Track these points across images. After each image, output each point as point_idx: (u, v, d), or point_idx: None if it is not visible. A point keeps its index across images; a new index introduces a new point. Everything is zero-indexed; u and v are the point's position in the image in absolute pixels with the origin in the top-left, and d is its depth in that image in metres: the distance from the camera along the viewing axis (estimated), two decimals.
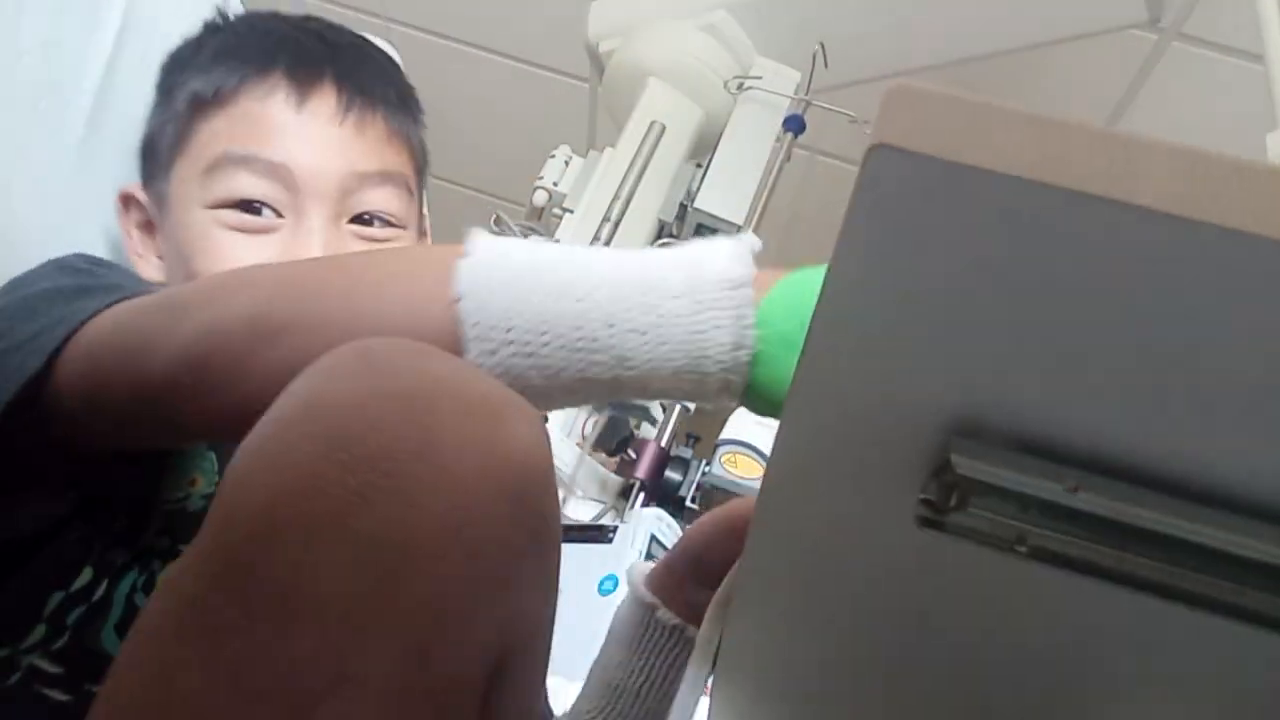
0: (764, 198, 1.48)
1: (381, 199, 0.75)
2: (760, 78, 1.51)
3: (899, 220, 0.27)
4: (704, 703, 1.12)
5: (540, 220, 1.55)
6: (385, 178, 0.75)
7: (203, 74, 0.77)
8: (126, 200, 0.83)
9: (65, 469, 0.58)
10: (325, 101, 0.74)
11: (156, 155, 0.79)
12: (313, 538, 0.37)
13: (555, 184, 1.54)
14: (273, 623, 0.37)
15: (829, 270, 0.31)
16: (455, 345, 0.48)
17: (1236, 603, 0.35)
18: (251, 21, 0.84)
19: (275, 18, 0.84)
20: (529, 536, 0.41)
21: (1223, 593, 0.35)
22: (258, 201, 0.72)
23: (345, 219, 0.74)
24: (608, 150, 1.51)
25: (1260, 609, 0.35)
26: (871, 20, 1.48)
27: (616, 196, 1.42)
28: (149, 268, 0.80)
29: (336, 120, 0.74)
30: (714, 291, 0.46)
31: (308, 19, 0.84)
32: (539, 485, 0.42)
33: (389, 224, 0.75)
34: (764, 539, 0.45)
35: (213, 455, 0.66)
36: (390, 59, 0.87)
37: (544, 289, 0.47)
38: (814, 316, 0.32)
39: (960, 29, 1.45)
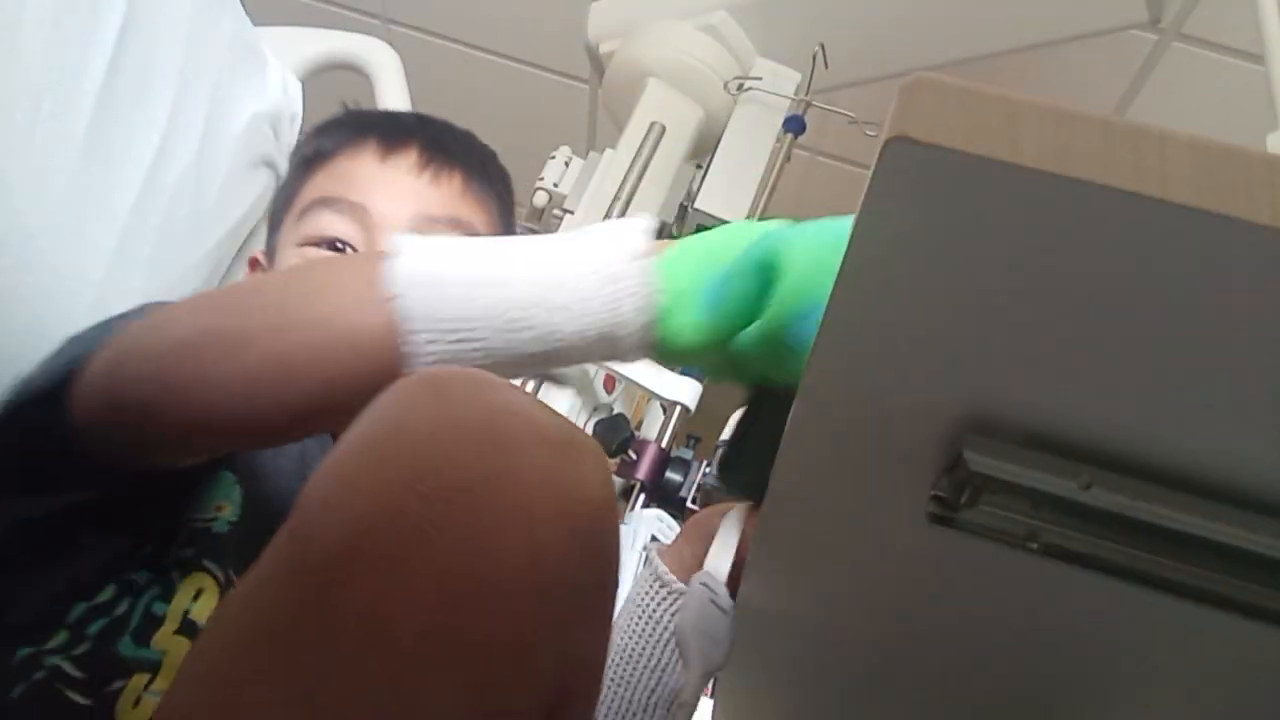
0: (764, 199, 1.47)
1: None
2: (760, 79, 1.51)
3: (915, 213, 0.27)
4: (706, 703, 1.12)
5: (540, 221, 1.55)
6: (455, 224, 0.81)
7: (311, 143, 0.86)
8: (253, 264, 0.90)
9: (88, 481, 0.61)
10: (407, 157, 0.81)
11: (273, 217, 0.88)
12: (394, 567, 0.38)
13: (555, 185, 1.54)
14: (351, 648, 0.37)
15: (842, 265, 0.31)
16: (394, 339, 0.52)
17: (1248, 600, 0.35)
18: (362, 108, 0.95)
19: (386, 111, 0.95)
20: (595, 576, 0.43)
21: (1234, 589, 0.35)
22: (339, 240, 0.78)
23: None
24: (608, 151, 1.51)
25: (1273, 606, 0.35)
26: (871, 21, 1.47)
27: (617, 197, 1.41)
28: None
29: (415, 172, 0.81)
30: (622, 264, 0.53)
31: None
32: (606, 525, 0.43)
33: None
34: (773, 534, 0.45)
35: (239, 488, 0.69)
36: (487, 147, 0.94)
37: (471, 279, 0.53)
38: (827, 309, 0.32)
39: (960, 29, 1.45)
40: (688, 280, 0.54)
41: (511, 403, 0.43)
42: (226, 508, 0.68)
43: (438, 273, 0.53)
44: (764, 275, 0.50)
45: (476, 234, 0.81)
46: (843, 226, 0.48)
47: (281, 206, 0.86)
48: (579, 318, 0.53)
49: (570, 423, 0.44)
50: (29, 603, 0.62)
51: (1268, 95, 1.09)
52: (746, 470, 0.56)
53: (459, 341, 0.52)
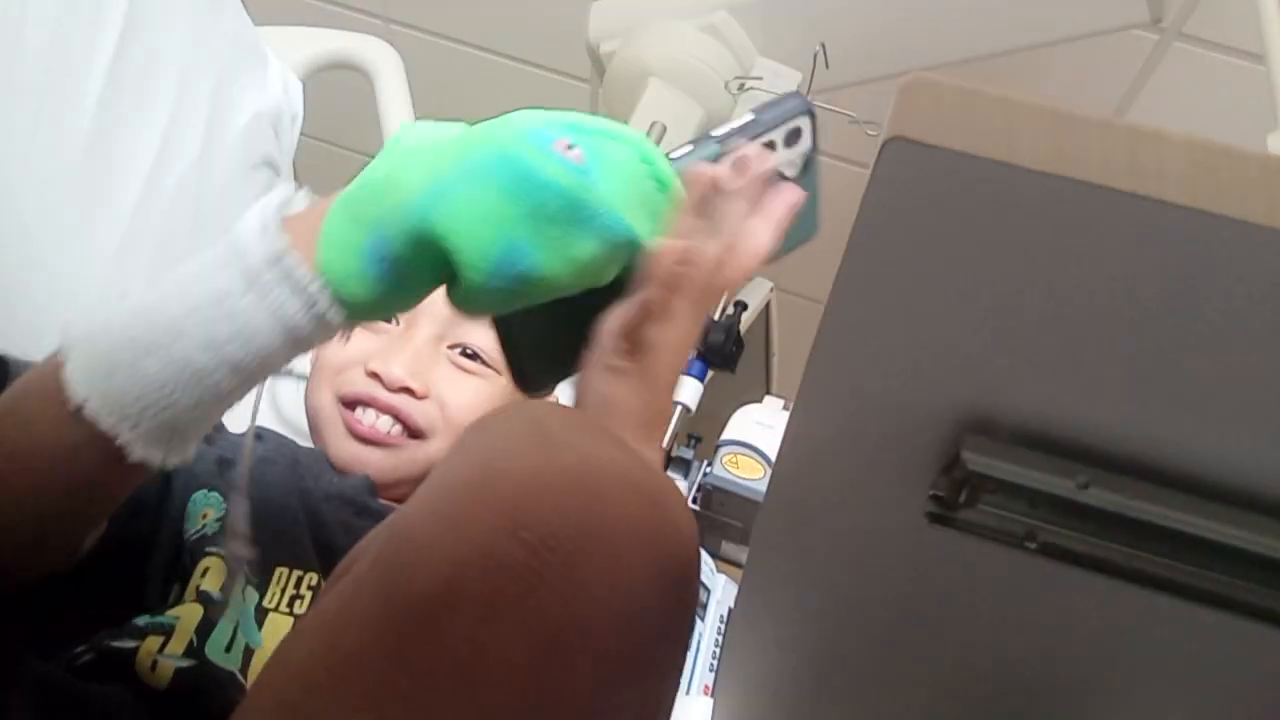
0: None
1: (482, 337, 0.83)
2: (761, 78, 1.51)
3: (913, 213, 0.27)
4: (706, 703, 1.12)
5: None
6: (476, 354, 0.83)
7: None
8: None
9: None
10: None
11: None
12: (493, 612, 0.38)
13: None
14: (444, 693, 0.38)
15: (841, 265, 0.31)
16: (102, 434, 0.52)
17: (1245, 599, 0.35)
18: None
19: None
20: (679, 626, 0.43)
21: (1232, 589, 0.35)
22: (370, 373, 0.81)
23: (447, 343, 0.83)
24: None
25: (1270, 605, 0.35)
26: (872, 21, 1.47)
27: None
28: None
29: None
30: (267, 273, 0.53)
31: None
32: (692, 573, 0.43)
33: (485, 363, 0.83)
34: (773, 535, 0.45)
35: (217, 494, 0.71)
36: None
37: (144, 354, 0.52)
38: (825, 310, 0.32)
39: (961, 29, 1.45)
40: (347, 251, 0.53)
41: (606, 449, 0.43)
42: (210, 513, 0.70)
43: (109, 362, 0.52)
44: (429, 247, 0.50)
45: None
46: (482, 151, 0.49)
47: None
48: (251, 341, 0.53)
49: (659, 471, 0.45)
50: (55, 631, 0.64)
51: (1269, 95, 1.09)
52: (530, 365, 0.58)
53: (161, 411, 0.52)
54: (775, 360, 1.85)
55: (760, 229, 0.57)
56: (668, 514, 0.42)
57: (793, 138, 0.59)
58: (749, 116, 0.58)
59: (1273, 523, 0.33)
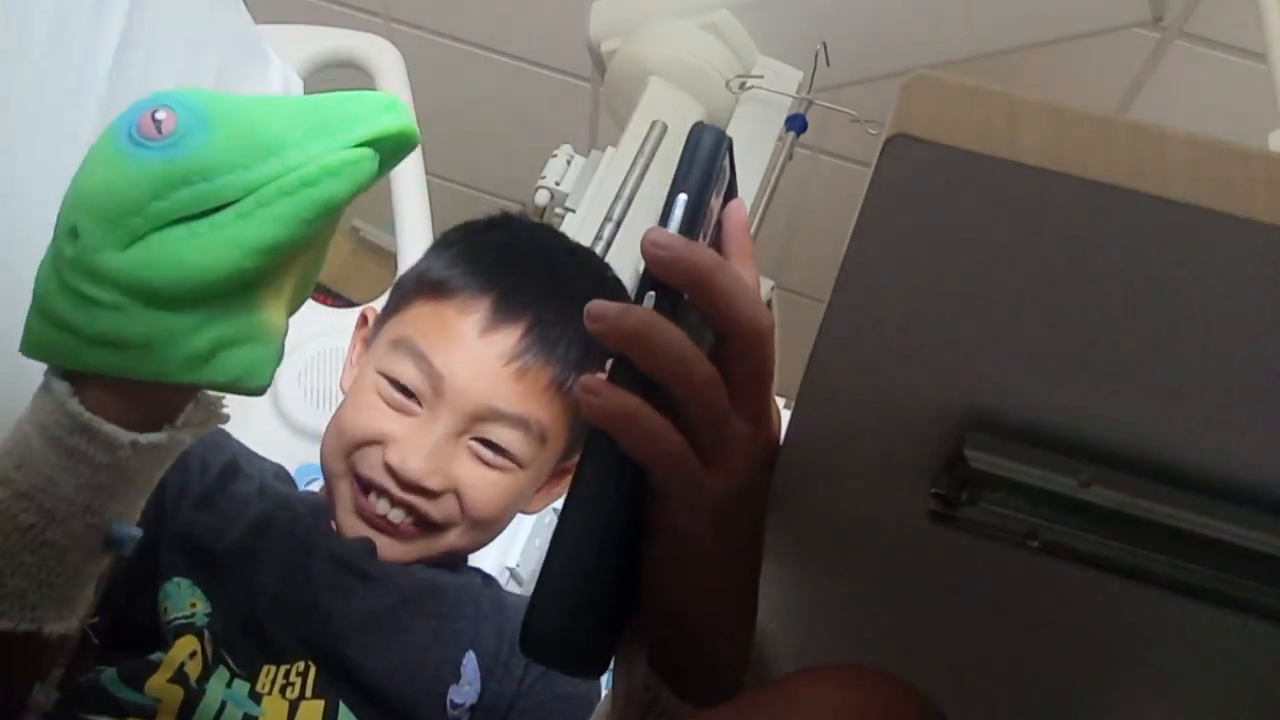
0: (766, 197, 1.47)
1: (507, 437, 0.80)
2: (762, 76, 1.51)
3: (915, 211, 0.27)
4: None
5: (543, 220, 1.55)
6: (518, 422, 0.80)
7: (446, 262, 0.85)
8: (364, 318, 0.92)
9: None
10: (506, 340, 0.80)
11: (391, 300, 0.88)
12: None
13: (557, 183, 1.54)
14: None
15: (843, 262, 0.31)
16: None
17: (1247, 596, 0.35)
18: (517, 232, 0.91)
19: (541, 234, 0.93)
20: None
21: (1234, 587, 0.35)
22: (412, 390, 0.80)
23: (469, 436, 0.80)
24: (610, 150, 1.51)
25: (1271, 603, 0.35)
26: (874, 19, 1.47)
27: (619, 196, 1.41)
28: (347, 378, 0.89)
29: (504, 359, 0.80)
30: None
31: (574, 249, 0.92)
32: None
33: (508, 458, 0.81)
34: (775, 533, 0.45)
35: (199, 588, 0.72)
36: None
37: None
38: (828, 308, 0.32)
39: (963, 28, 1.45)
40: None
41: None
42: (199, 604, 0.71)
43: None
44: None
45: (541, 431, 0.80)
46: None
47: (398, 303, 0.86)
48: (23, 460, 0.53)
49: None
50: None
51: (1270, 93, 1.09)
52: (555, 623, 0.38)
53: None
54: (775, 358, 1.85)
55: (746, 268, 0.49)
56: None
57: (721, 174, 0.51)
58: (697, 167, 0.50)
59: (1275, 520, 0.33)
